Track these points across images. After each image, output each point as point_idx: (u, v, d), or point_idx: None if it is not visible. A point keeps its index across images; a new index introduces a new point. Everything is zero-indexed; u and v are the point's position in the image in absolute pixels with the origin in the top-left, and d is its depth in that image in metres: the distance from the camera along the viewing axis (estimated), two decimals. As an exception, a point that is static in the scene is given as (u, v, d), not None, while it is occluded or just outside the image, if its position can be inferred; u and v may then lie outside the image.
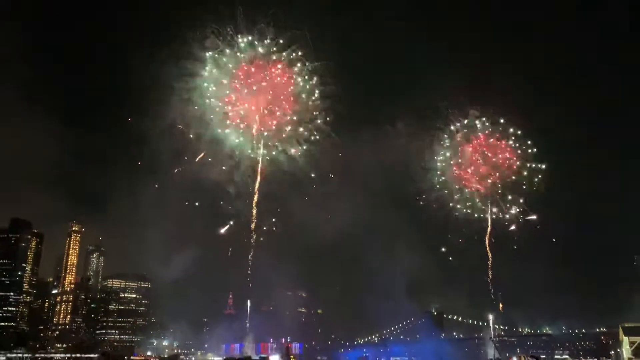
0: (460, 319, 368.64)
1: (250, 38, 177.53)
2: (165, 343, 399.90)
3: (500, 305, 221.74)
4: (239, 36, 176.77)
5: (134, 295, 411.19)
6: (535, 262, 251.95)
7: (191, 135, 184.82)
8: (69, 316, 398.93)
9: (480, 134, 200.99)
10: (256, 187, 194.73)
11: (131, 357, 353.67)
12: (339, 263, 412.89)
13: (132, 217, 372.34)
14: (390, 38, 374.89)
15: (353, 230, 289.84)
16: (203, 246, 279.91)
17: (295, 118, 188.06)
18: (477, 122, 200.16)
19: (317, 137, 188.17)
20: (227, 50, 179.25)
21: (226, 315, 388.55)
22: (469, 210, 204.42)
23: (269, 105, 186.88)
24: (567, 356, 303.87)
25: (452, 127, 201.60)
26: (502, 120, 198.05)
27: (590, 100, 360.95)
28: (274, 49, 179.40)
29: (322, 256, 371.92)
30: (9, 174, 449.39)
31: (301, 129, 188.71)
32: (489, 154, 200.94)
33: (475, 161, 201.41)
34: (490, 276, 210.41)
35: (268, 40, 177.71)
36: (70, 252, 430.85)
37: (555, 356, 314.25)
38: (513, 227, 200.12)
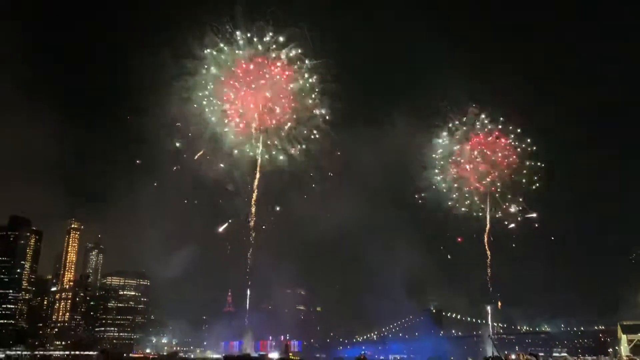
0: (459, 316, 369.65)
1: (249, 35, 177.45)
2: (164, 340, 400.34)
3: (499, 303, 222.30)
4: (238, 33, 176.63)
5: (133, 293, 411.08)
6: (533, 260, 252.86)
7: (190, 134, 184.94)
8: (68, 314, 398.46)
9: (479, 132, 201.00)
10: (255, 185, 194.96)
11: (130, 355, 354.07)
12: (338, 261, 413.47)
13: (132, 215, 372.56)
14: (390, 38, 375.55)
15: (352, 228, 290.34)
16: (202, 244, 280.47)
17: (294, 116, 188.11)
18: (476, 120, 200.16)
19: (317, 135, 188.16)
20: (226, 48, 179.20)
21: (225, 313, 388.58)
22: (465, 209, 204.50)
23: (268, 104, 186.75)
24: (565, 354, 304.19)
25: (450, 125, 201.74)
26: (501, 119, 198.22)
27: (590, 100, 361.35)
28: (273, 46, 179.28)
29: (321, 254, 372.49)
30: (8, 172, 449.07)
31: (300, 128, 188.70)
32: (488, 153, 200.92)
33: (474, 159, 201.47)
34: (489, 274, 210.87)
35: (267, 38, 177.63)
36: (69, 249, 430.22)
37: (554, 354, 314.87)
38: (512, 225, 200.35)
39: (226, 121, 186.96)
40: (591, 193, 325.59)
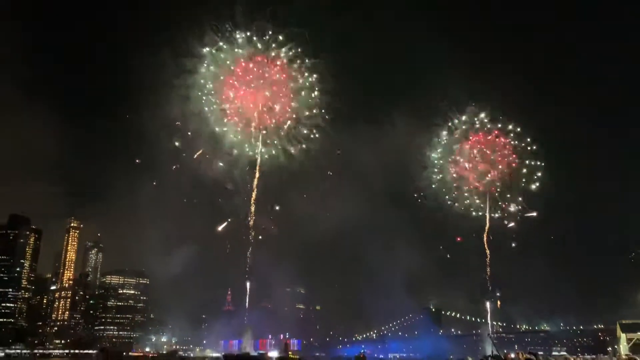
0: (458, 315, 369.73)
1: (248, 34, 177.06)
2: (163, 339, 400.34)
3: (498, 302, 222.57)
4: (237, 32, 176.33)
5: (132, 292, 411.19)
6: (533, 259, 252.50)
7: (189, 133, 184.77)
8: (67, 312, 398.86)
9: (478, 131, 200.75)
10: (254, 184, 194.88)
11: (129, 354, 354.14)
12: (337, 260, 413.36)
13: (131, 214, 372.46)
14: (390, 38, 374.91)
15: (351, 227, 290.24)
16: (201, 243, 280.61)
17: (294, 116, 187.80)
18: (475, 119, 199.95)
19: (316, 135, 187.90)
20: (225, 47, 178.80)
21: (225, 312, 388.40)
22: (464, 208, 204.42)
23: (267, 103, 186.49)
24: (564, 352, 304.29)
25: (449, 124, 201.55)
26: (500, 117, 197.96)
27: (590, 100, 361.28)
28: (273, 45, 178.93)
29: (321, 253, 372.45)
30: (8, 171, 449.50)
31: (300, 127, 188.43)
32: (488, 152, 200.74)
33: (474, 159, 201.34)
34: (489, 273, 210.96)
35: (267, 37, 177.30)
36: (68, 248, 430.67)
37: (553, 352, 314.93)
38: (512, 224, 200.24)
39: (225, 120, 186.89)
40: (591, 193, 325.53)
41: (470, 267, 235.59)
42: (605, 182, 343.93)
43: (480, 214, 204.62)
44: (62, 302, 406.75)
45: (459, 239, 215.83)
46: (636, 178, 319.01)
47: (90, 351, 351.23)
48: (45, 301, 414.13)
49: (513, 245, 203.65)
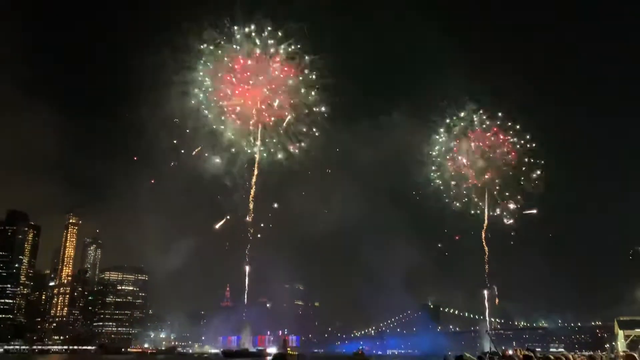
0: (456, 312, 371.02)
1: (247, 30, 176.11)
2: (162, 335, 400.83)
3: (496, 299, 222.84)
4: (236, 28, 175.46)
5: (131, 288, 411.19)
6: (531, 256, 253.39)
7: (187, 130, 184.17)
8: (66, 308, 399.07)
9: (477, 128, 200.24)
10: (253, 181, 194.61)
11: (128, 349, 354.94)
12: (336, 257, 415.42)
13: (130, 211, 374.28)
14: (390, 37, 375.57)
15: (350, 224, 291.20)
16: (200, 239, 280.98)
17: (293, 113, 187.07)
18: (474, 116, 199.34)
19: (315, 131, 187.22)
20: (223, 43, 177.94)
21: (223, 308, 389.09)
22: (462, 206, 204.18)
23: (266, 100, 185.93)
24: (562, 349, 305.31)
25: (448, 121, 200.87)
26: (500, 114, 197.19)
27: (590, 100, 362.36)
28: (272, 42, 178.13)
29: (320, 250, 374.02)
30: (7, 168, 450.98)
31: (299, 124, 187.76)
32: (486, 149, 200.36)
33: (472, 156, 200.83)
34: (487, 270, 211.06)
35: (266, 33, 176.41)
36: (67, 244, 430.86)
37: (551, 349, 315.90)
38: (511, 221, 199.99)
39: (223, 118, 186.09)
40: (591, 192, 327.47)
41: (469, 265, 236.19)
42: (605, 182, 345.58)
43: (478, 212, 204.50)
44: (60, 298, 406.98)
45: (457, 237, 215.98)
46: (636, 178, 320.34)
47: (89, 347, 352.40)
48: (43, 297, 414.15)
49: (511, 243, 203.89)
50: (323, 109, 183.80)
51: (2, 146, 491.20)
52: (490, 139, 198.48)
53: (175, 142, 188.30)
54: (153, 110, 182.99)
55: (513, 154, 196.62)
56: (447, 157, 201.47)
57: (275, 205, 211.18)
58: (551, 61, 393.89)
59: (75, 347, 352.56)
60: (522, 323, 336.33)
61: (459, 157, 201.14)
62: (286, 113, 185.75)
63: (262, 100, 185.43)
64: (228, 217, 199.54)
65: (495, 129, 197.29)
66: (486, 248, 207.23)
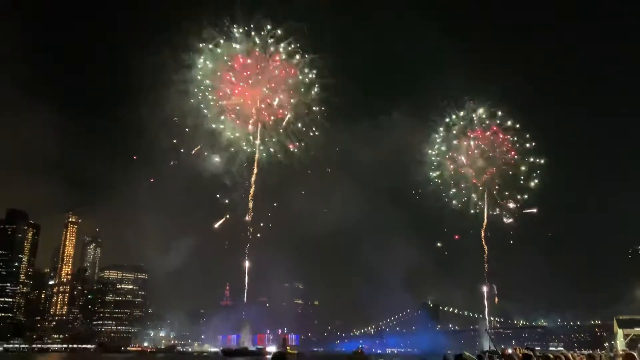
0: (456, 311, 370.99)
1: (246, 28, 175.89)
2: (162, 334, 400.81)
3: (496, 298, 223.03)
4: (235, 26, 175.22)
5: (130, 287, 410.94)
6: (531, 255, 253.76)
7: (187, 129, 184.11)
8: (65, 307, 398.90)
9: (477, 127, 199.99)
10: (252, 180, 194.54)
11: (128, 348, 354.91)
12: (336, 256, 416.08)
13: (129, 209, 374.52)
14: (390, 37, 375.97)
15: (350, 223, 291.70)
16: (200, 238, 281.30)
17: (292, 112, 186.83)
18: (473, 115, 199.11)
19: (314, 129, 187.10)
20: (223, 42, 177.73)
21: (223, 307, 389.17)
22: (459, 204, 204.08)
23: (265, 99, 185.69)
24: (561, 348, 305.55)
25: (447, 120, 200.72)
26: (499, 113, 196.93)
27: (590, 100, 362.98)
28: (271, 40, 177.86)
29: (319, 249, 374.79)
30: (6, 166, 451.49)
31: (298, 123, 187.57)
32: (486, 148, 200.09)
33: (472, 155, 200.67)
34: (487, 269, 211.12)
35: (265, 32, 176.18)
36: (66, 243, 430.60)
37: (550, 348, 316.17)
38: (511, 220, 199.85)
39: (222, 117, 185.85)
40: (591, 191, 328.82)
41: (468, 264, 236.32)
42: (605, 181, 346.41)
43: (478, 211, 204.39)
44: (60, 297, 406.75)
45: (456, 236, 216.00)
46: (636, 178, 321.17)
47: (89, 346, 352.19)
48: (43, 296, 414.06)
49: (511, 242, 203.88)
50: (323, 108, 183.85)
51: (2, 146, 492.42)
52: (489, 138, 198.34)
53: (174, 141, 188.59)
54: (153, 110, 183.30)
55: (512, 153, 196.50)
56: (447, 156, 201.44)
57: (275, 204, 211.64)
58: (551, 61, 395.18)
59: (75, 345, 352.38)
60: (522, 322, 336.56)
61: (459, 157, 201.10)
62: (286, 112, 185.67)
63: (261, 99, 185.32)
64: (227, 216, 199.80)
65: (494, 128, 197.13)
66: (485, 247, 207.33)
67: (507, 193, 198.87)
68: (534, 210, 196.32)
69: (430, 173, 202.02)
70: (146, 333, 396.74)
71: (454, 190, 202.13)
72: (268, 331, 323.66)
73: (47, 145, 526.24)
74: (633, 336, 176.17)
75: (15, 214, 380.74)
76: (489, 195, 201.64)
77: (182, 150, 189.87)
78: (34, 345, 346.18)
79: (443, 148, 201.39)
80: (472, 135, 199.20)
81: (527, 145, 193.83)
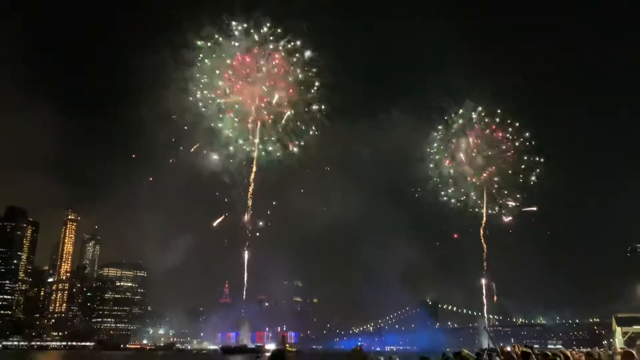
0: (455, 309, 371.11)
1: (245, 26, 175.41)
2: (161, 332, 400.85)
3: (495, 296, 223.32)
4: (234, 24, 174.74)
5: (129, 284, 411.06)
6: (530, 254, 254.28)
7: (185, 127, 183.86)
8: (64, 304, 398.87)
9: (476, 125, 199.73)
10: (252, 178, 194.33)
11: (127, 346, 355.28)
12: (335, 254, 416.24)
13: (128, 207, 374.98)
14: (390, 37, 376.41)
15: (349, 221, 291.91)
16: (199, 235, 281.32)
17: (292, 110, 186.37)
18: (473, 113, 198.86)
19: (314, 128, 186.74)
20: (222, 39, 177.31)
21: (222, 304, 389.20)
22: (458, 203, 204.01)
23: (265, 98, 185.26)
24: (560, 346, 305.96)
25: (446, 118, 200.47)
26: (498, 110, 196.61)
27: (590, 100, 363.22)
28: (271, 37, 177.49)
29: (319, 247, 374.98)
30: (6, 164, 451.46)
31: (298, 121, 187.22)
32: (485, 146, 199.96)
33: (471, 153, 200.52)
34: (485, 267, 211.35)
35: (265, 29, 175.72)
36: (66, 240, 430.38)
37: (549, 346, 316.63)
38: (510, 218, 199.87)
39: (221, 116, 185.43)
40: (590, 190, 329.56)
41: (467, 262, 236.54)
42: (605, 181, 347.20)
43: (477, 210, 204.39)
44: (59, 295, 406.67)
45: (455, 235, 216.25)
46: (635, 178, 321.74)
47: (88, 343, 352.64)
48: (42, 293, 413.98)
49: (510, 240, 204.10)
50: (322, 106, 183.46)
51: (2, 145, 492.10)
52: (489, 136, 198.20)
53: (173, 140, 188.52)
54: (153, 110, 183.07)
55: (512, 151, 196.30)
56: (446, 154, 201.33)
57: (274, 202, 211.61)
58: (551, 61, 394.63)
59: (74, 343, 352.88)
60: (520, 320, 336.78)
61: (458, 155, 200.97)
62: (285, 110, 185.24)
63: (260, 97, 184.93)
64: (226, 214, 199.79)
65: (494, 127, 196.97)
66: (484, 245, 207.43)
67: (506, 192, 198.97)
68: (534, 208, 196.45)
69: (429, 171, 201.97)
70: (145, 331, 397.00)
71: (453, 188, 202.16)
72: (267, 329, 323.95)
73: (47, 145, 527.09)
74: (631, 334, 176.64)
75: (14, 212, 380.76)
76: (488, 193, 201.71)
77: (181, 148, 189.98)
78: (33, 343, 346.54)
79: (442, 146, 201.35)
80: (471, 134, 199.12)
81: (527, 143, 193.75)
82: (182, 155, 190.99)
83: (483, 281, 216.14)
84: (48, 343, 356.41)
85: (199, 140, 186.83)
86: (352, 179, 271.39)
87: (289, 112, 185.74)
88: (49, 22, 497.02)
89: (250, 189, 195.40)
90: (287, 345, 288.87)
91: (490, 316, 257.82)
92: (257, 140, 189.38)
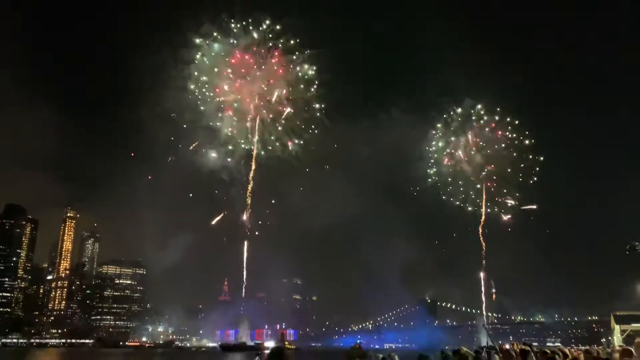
0: (453, 306, 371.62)
1: (244, 24, 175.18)
2: (160, 329, 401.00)
3: (493, 294, 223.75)
4: (233, 22, 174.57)
5: (129, 282, 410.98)
6: (529, 252, 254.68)
7: (184, 126, 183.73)
8: (64, 302, 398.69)
9: (475, 124, 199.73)
10: (251, 176, 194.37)
11: (126, 343, 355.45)
12: (334, 251, 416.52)
13: (128, 204, 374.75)
14: (390, 36, 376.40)
15: (348, 219, 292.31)
16: (198, 233, 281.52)
17: (291, 108, 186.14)
18: (472, 111, 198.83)
19: (313, 127, 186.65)
20: (221, 37, 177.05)
21: (221, 302, 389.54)
22: (457, 201, 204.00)
23: (264, 96, 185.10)
24: (559, 343, 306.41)
25: (445, 116, 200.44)
26: (498, 109, 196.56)
27: (590, 100, 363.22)
28: (270, 35, 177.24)
29: (318, 245, 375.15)
30: (7, 166, 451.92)
31: (297, 119, 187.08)
32: (484, 145, 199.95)
33: (470, 152, 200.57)
34: (484, 265, 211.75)
35: (264, 26, 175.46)
36: (65, 238, 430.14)
37: (548, 343, 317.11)
38: (509, 217, 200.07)
39: (220, 115, 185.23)
40: (590, 190, 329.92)
41: (466, 260, 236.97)
42: (605, 181, 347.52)
43: (476, 209, 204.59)
44: (58, 292, 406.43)
45: (454, 235, 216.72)
46: (635, 177, 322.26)
47: (87, 341, 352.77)
48: (41, 291, 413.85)
49: (509, 238, 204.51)
50: (322, 105, 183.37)
51: (2, 145, 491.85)
52: (488, 135, 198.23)
53: (172, 138, 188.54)
54: (152, 109, 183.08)
55: (511, 150, 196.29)
56: (445, 153, 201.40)
57: (273, 200, 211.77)
58: (551, 61, 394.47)
59: (73, 340, 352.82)
60: (519, 317, 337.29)
61: (457, 153, 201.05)
62: (284, 108, 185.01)
63: (259, 95, 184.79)
64: (225, 212, 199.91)
65: (493, 125, 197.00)
66: (483, 243, 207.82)
67: (505, 190, 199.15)
68: (534, 207, 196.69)
69: (429, 170, 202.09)
70: (144, 328, 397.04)
71: (452, 187, 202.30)
72: (266, 326, 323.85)
73: (47, 144, 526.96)
74: (630, 332, 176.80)
75: (13, 209, 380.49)
76: (487, 192, 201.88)
77: (180, 146, 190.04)
78: (32, 340, 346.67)
79: (441, 145, 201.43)
80: (470, 132, 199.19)
81: (527, 142, 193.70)
82: (181, 153, 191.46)
83: (482, 279, 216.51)
84: (47, 340, 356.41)
85: (198, 139, 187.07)
86: (352, 177, 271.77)
87: (288, 111, 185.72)
88: (49, 22, 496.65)
89: (249, 187, 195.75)
90: (286, 342, 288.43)
91: (489, 314, 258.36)
92: (256, 139, 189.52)
